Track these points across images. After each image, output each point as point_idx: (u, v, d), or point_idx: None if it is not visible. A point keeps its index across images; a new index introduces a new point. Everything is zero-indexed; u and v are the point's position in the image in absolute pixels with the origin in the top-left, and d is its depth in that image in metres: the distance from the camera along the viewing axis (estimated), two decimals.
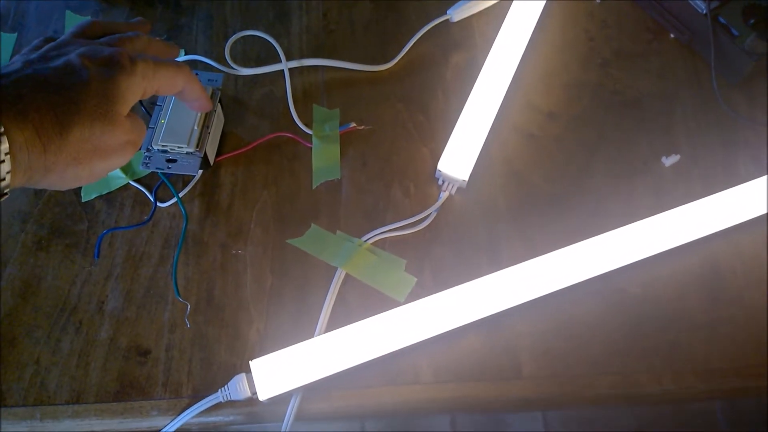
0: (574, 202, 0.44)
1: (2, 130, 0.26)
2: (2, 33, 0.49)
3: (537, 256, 0.41)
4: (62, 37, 0.33)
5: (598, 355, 0.39)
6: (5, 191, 0.27)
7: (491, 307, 0.39)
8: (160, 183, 0.42)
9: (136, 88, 0.31)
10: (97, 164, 0.31)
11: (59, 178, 0.30)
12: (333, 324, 0.39)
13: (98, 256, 0.41)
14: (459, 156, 0.44)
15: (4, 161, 0.26)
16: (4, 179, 0.27)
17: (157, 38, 0.37)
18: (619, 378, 0.38)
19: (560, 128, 0.46)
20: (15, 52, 0.48)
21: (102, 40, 0.34)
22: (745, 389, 0.38)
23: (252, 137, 0.46)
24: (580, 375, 0.38)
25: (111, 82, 0.30)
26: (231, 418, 0.37)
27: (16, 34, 0.49)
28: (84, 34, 0.34)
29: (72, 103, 0.29)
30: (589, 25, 0.51)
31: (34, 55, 0.31)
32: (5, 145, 0.26)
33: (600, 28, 0.50)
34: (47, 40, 0.33)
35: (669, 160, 0.45)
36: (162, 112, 0.41)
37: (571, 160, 0.45)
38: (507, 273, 0.40)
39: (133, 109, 0.47)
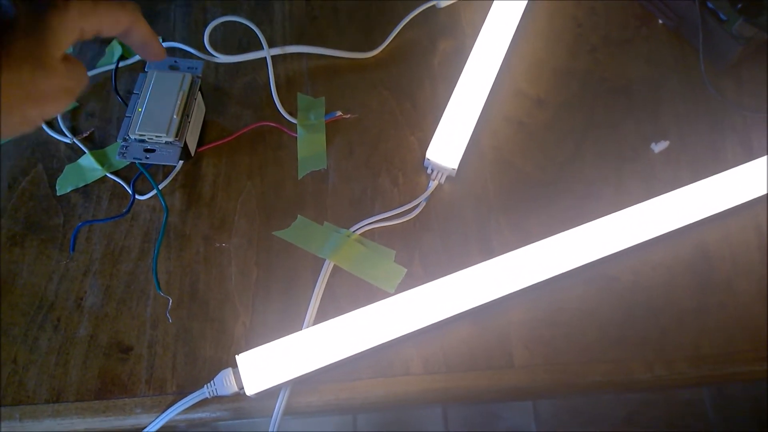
0: (564, 190, 0.43)
1: None
2: None
3: (528, 244, 0.40)
4: None
5: (590, 342, 0.39)
6: None
7: (482, 297, 0.39)
8: (139, 174, 0.40)
9: (71, 26, 0.28)
10: (29, 111, 0.28)
11: None
12: (321, 316, 0.39)
13: (74, 250, 0.39)
14: (448, 144, 0.43)
15: None
16: None
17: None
18: (612, 366, 0.38)
19: (549, 115, 0.46)
20: None
21: None
22: (734, 375, 0.39)
23: (235, 127, 0.44)
24: (573, 363, 0.38)
25: (41, 21, 0.27)
26: (218, 414, 0.37)
27: None
28: None
29: None
30: (577, 12, 0.50)
31: None
32: None
33: (588, 15, 0.50)
34: None
35: (658, 147, 0.45)
36: (139, 100, 0.40)
37: (560, 147, 0.45)
38: (498, 262, 0.40)
39: (107, 95, 0.45)
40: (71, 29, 0.28)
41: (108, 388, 0.37)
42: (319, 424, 0.95)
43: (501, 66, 0.46)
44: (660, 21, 0.49)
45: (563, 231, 0.41)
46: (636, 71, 0.48)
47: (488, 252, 0.41)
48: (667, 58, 0.48)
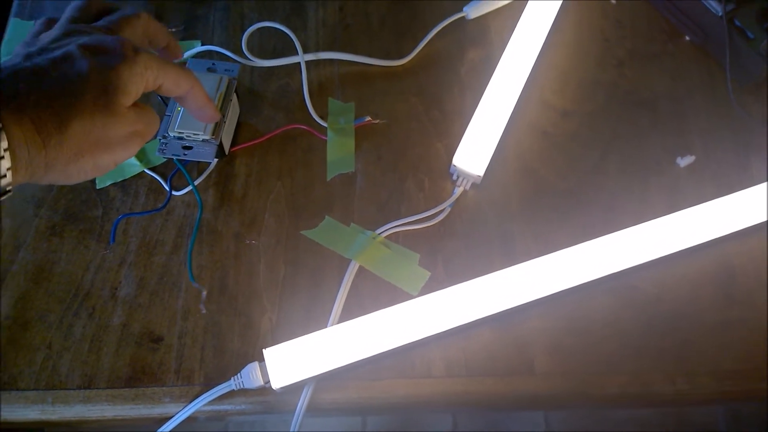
0: (588, 200, 0.44)
1: (1, 126, 0.25)
2: (20, 20, 0.49)
3: (550, 252, 0.41)
4: (59, 22, 0.32)
5: (611, 353, 0.39)
6: (7, 189, 0.27)
7: (504, 303, 0.39)
8: (176, 171, 0.42)
9: (138, 78, 0.30)
10: (101, 157, 0.30)
11: (63, 174, 0.29)
12: (346, 315, 0.40)
13: (113, 241, 0.41)
14: (474, 152, 0.44)
15: (3, 157, 0.25)
16: (5, 176, 0.26)
17: (159, 23, 0.36)
18: (632, 377, 0.38)
19: (575, 126, 0.46)
20: None
21: (101, 22, 0.33)
22: (756, 391, 0.39)
23: (267, 128, 0.46)
24: (593, 373, 0.38)
25: (112, 73, 0.29)
26: (243, 406, 0.37)
27: (33, 22, 0.49)
28: (81, 16, 0.33)
29: (70, 96, 0.28)
30: (605, 25, 0.51)
31: (34, 47, 0.30)
32: (4, 143, 0.25)
33: (615, 29, 0.51)
34: (49, 23, 0.32)
35: (684, 161, 0.45)
36: None
37: (585, 158, 0.45)
38: (521, 268, 0.40)
39: (148, 97, 0.47)
40: (138, 81, 0.31)
41: (138, 376, 0.38)
42: (328, 424, 0.96)
43: (528, 77, 0.47)
44: (687, 37, 0.50)
45: (586, 241, 0.41)
46: (662, 86, 0.48)
47: (511, 259, 0.41)
48: (693, 74, 0.49)
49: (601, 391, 0.38)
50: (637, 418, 0.97)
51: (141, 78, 0.30)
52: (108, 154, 0.30)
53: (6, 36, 0.49)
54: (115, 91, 0.29)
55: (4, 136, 0.25)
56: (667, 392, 0.38)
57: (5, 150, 0.26)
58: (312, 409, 0.38)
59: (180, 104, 0.37)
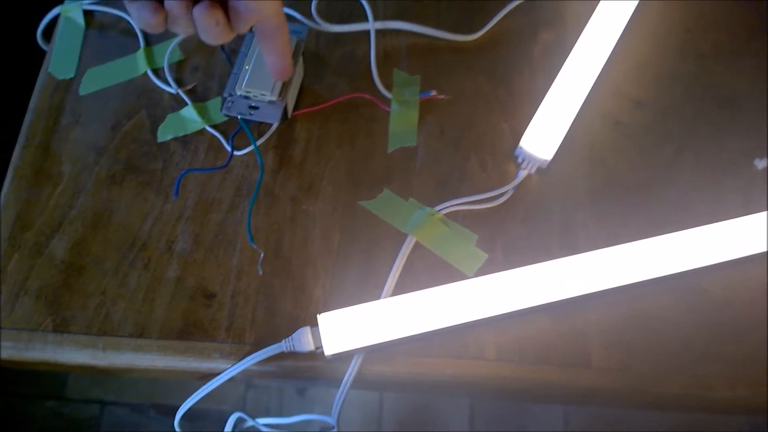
0: (658, 195, 0.42)
1: None
2: None
3: (614, 244, 0.39)
4: None
5: (671, 354, 0.37)
6: None
7: (564, 292, 0.38)
8: (238, 130, 0.41)
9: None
10: None
11: None
12: (399, 290, 0.39)
13: (177, 195, 0.40)
14: (542, 135, 0.42)
15: None
16: None
17: None
18: (692, 380, 0.37)
19: (649, 118, 0.44)
20: None
21: None
22: None
23: (329, 95, 0.45)
24: (652, 372, 0.37)
25: None
26: (291, 370, 0.37)
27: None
28: None
29: None
30: (687, 17, 0.48)
31: None
32: None
33: (698, 21, 0.48)
34: None
35: (762, 163, 0.43)
36: (246, 59, 0.41)
37: (657, 151, 0.43)
38: (583, 258, 0.39)
39: (212, 52, 0.46)
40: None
41: (190, 330, 0.38)
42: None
43: (603, 63, 0.45)
44: None
45: (653, 236, 0.39)
46: (743, 84, 0.46)
47: (573, 249, 0.40)
48: None
49: (661, 390, 0.36)
50: (654, 420, 0.95)
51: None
52: None
53: (56, 34, 0.47)
54: None
55: None
56: (726, 398, 0.37)
57: None
58: (359, 380, 0.37)
59: (261, 44, 0.36)
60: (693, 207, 0.42)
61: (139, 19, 0.30)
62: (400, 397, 0.98)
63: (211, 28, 0.30)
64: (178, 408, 0.37)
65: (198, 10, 0.29)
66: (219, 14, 0.30)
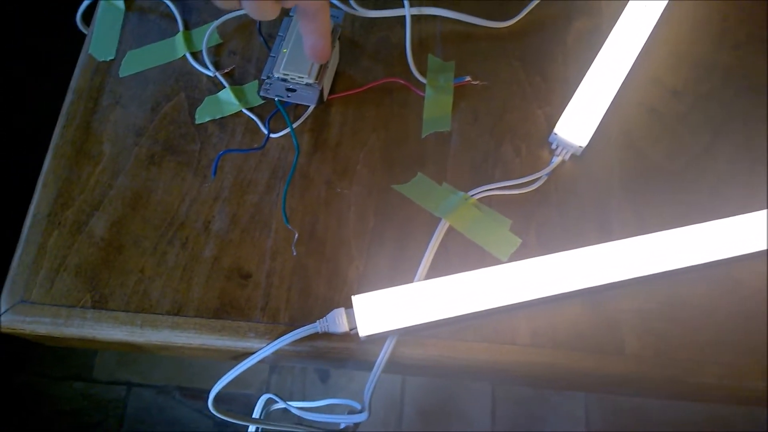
0: (693, 184, 0.42)
1: None
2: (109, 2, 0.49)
3: (648, 232, 0.39)
4: None
5: (705, 343, 0.37)
6: None
7: (597, 278, 0.38)
8: (275, 112, 0.42)
9: None
10: None
11: None
12: (433, 273, 0.39)
13: (215, 175, 0.41)
14: (577, 122, 0.42)
15: None
16: None
17: None
18: (726, 369, 0.37)
19: (685, 107, 0.44)
20: None
21: None
22: None
23: (364, 80, 0.45)
24: (686, 360, 0.37)
25: None
26: (324, 350, 0.38)
27: (122, 3, 0.48)
28: None
29: None
30: (724, 5, 0.48)
31: None
32: None
33: (735, 10, 0.48)
34: None
35: None
36: (284, 42, 0.41)
37: (693, 140, 0.43)
38: (618, 245, 0.39)
39: (250, 35, 0.47)
40: None
41: (226, 309, 0.38)
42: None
43: (639, 51, 0.45)
44: None
45: (687, 225, 0.39)
46: None
47: (607, 235, 0.40)
48: None
49: (695, 379, 0.36)
50: (677, 421, 0.94)
51: None
52: None
53: (96, 17, 0.48)
54: None
55: None
56: (760, 388, 0.37)
57: None
58: (392, 362, 0.37)
59: (303, 24, 0.36)
60: (728, 195, 0.41)
61: None
62: (421, 383, 0.99)
63: None
64: (203, 391, 0.38)
65: None
66: None
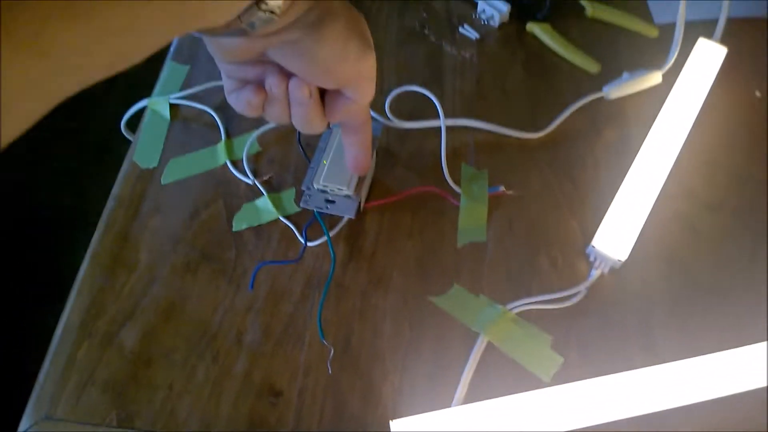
0: (739, 300, 0.40)
1: None
2: (176, 64, 0.52)
3: (697, 351, 0.37)
4: None
5: None
6: (274, 11, 0.24)
7: (646, 405, 0.36)
8: (311, 222, 0.42)
9: (372, 58, 0.30)
10: (354, 43, 0.28)
11: (320, 42, 0.27)
12: (472, 392, 0.37)
13: (252, 288, 0.41)
14: (615, 235, 0.42)
15: None
16: None
17: None
18: None
19: (725, 218, 0.44)
20: (185, 84, 0.51)
21: None
22: None
23: (399, 188, 0.46)
24: None
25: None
26: None
27: (188, 66, 0.52)
28: None
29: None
30: (752, 117, 0.49)
31: None
32: None
33: (763, 122, 0.49)
34: None
35: None
36: (324, 154, 0.42)
37: (737, 253, 0.42)
38: (667, 369, 0.37)
39: (289, 145, 0.48)
40: (372, 61, 0.31)
41: (255, 430, 0.37)
42: None
43: (673, 163, 0.45)
44: None
45: (737, 344, 0.38)
46: None
47: (651, 353, 0.38)
48: None
49: None
50: None
51: (371, 62, 0.30)
52: (361, 47, 0.29)
53: (161, 78, 0.52)
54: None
55: None
56: None
57: None
58: None
59: (346, 137, 0.37)
60: None
61: (239, 100, 0.31)
62: None
63: (304, 100, 0.31)
64: None
65: (293, 83, 0.30)
66: (312, 87, 0.31)
